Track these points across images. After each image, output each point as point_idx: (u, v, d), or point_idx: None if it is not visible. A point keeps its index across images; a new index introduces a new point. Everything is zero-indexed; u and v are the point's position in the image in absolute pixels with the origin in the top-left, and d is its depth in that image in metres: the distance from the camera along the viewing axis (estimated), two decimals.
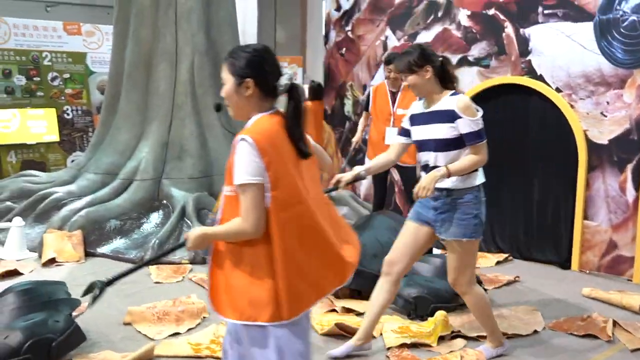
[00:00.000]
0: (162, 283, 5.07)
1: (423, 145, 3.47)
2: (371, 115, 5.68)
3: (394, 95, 5.41)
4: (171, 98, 6.56)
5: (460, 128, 3.29)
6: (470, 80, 6.23)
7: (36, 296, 3.82)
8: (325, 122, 8.02)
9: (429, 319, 4.18)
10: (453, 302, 4.37)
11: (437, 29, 6.49)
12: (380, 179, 5.59)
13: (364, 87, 7.30)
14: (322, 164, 2.56)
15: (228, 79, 2.23)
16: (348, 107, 7.58)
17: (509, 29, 5.89)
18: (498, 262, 5.72)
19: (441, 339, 3.93)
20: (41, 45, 9.43)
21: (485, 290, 4.74)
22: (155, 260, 4.71)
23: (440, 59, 3.47)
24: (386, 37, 7.00)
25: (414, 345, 3.85)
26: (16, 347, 3.31)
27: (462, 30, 6.27)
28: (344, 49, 7.55)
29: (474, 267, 3.56)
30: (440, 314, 4.13)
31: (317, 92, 9.52)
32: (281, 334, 2.19)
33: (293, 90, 2.26)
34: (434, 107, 3.42)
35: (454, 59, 6.34)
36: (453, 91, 3.44)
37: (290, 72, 2.36)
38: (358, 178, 3.50)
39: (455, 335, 4.02)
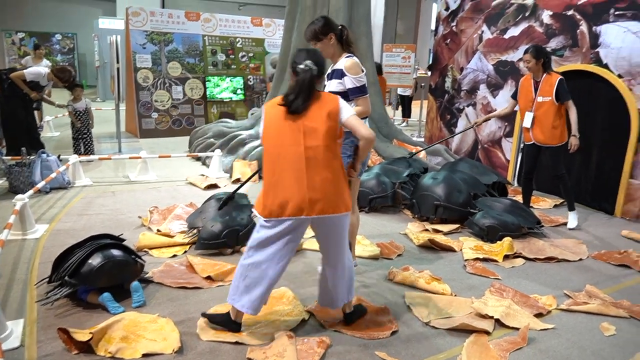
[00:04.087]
0: None
1: None
2: (518, 103, 4.76)
3: (537, 83, 4.52)
4: None
5: (346, 84, 3.00)
6: None
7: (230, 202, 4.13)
8: (430, 94, 7.78)
9: (498, 242, 4.08)
10: (517, 232, 4.22)
11: (523, 25, 6.00)
12: (532, 155, 4.71)
13: (461, 69, 6.96)
14: None
15: None
16: (448, 83, 7.28)
17: (584, 26, 5.33)
18: (555, 205, 5.41)
19: (506, 257, 3.84)
20: (236, 33, 9.71)
21: (542, 226, 4.54)
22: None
23: (340, 27, 3.09)
24: (482, 32, 6.57)
25: (485, 260, 3.81)
26: (218, 233, 3.63)
27: (544, 27, 5.76)
28: (449, 40, 7.18)
29: (355, 197, 3.20)
30: (506, 239, 4.03)
31: (378, 69, 8.98)
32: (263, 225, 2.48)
33: None
34: (334, 66, 3.10)
35: None
36: (349, 54, 3.08)
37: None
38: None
39: (517, 255, 3.91)
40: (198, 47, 9.22)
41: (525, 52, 4.51)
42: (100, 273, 2.80)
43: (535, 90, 4.54)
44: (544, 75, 4.50)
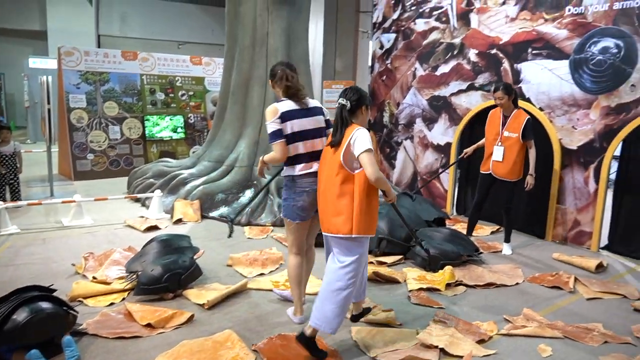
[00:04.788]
0: (252, 239, 5.20)
1: None
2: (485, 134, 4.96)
3: (505, 118, 4.71)
4: (261, 110, 6.62)
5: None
6: (476, 100, 6.12)
7: (170, 244, 3.99)
8: (369, 128, 8.01)
9: (440, 271, 4.19)
10: (457, 260, 4.36)
11: (452, 63, 6.38)
12: (486, 185, 4.91)
13: (398, 104, 7.25)
14: None
15: None
16: (386, 117, 7.55)
17: (506, 64, 5.75)
18: (492, 232, 5.65)
19: (448, 285, 3.94)
20: (175, 72, 9.65)
21: (481, 253, 4.72)
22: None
23: (276, 72, 3.12)
24: (415, 69, 6.92)
25: (428, 289, 3.89)
26: (158, 277, 3.49)
27: (471, 64, 6.15)
28: (385, 77, 7.50)
29: (292, 241, 3.17)
30: (447, 268, 4.14)
31: None
32: None
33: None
34: None
35: (464, 85, 6.24)
36: (282, 99, 3.11)
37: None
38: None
39: (458, 283, 4.03)
40: (136, 87, 9.06)
41: (495, 90, 4.67)
42: (26, 329, 2.60)
43: (503, 124, 4.72)
44: (515, 111, 4.69)
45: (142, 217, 5.83)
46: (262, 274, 4.15)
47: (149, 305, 3.37)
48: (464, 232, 5.13)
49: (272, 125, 3.02)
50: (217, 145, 6.86)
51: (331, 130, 2.94)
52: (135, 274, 3.71)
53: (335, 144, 2.76)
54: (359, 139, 2.66)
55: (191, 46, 18.10)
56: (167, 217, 5.84)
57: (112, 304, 3.45)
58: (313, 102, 3.17)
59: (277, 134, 3.00)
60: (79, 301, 3.44)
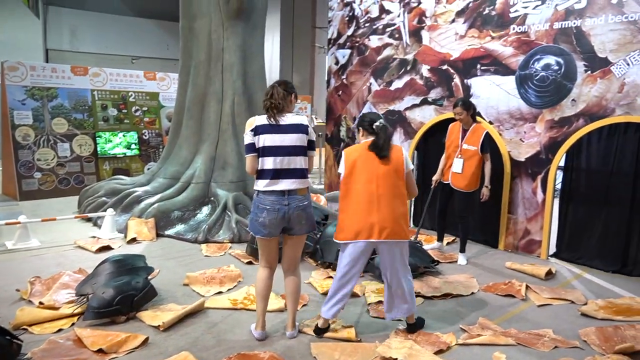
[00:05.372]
0: (209, 256, 5.10)
1: None
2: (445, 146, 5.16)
3: (465, 132, 4.94)
4: (218, 125, 6.59)
5: None
6: (429, 114, 6.28)
7: (124, 264, 3.86)
8: (327, 143, 8.07)
9: None
10: (414, 272, 4.40)
11: (406, 78, 6.54)
12: (446, 194, 5.12)
13: (354, 119, 7.35)
14: None
15: None
16: (342, 132, 7.63)
17: (457, 79, 5.95)
18: (448, 243, 5.77)
19: None
20: (128, 87, 9.42)
21: (438, 263, 4.80)
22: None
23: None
24: (370, 84, 7.05)
25: None
26: (110, 300, 3.36)
27: (424, 80, 6.32)
28: (340, 92, 7.59)
29: (260, 254, 3.20)
30: None
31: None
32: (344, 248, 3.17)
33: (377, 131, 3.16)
34: None
35: (418, 99, 6.40)
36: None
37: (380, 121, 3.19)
38: None
39: (416, 295, 4.05)
40: (86, 102, 8.78)
41: (455, 105, 4.93)
42: None
43: (462, 137, 4.94)
44: (473, 125, 4.92)
45: (94, 237, 5.62)
46: (220, 293, 4.07)
47: (101, 330, 3.24)
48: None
49: (245, 138, 3.09)
50: (173, 161, 6.73)
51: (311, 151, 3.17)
52: (85, 297, 3.56)
53: (385, 157, 3.11)
54: (408, 157, 3.19)
55: (145, 61, 17.77)
56: (121, 236, 5.66)
57: (60, 330, 3.29)
58: (296, 120, 3.08)
59: (248, 147, 3.08)
60: (24, 329, 3.26)
